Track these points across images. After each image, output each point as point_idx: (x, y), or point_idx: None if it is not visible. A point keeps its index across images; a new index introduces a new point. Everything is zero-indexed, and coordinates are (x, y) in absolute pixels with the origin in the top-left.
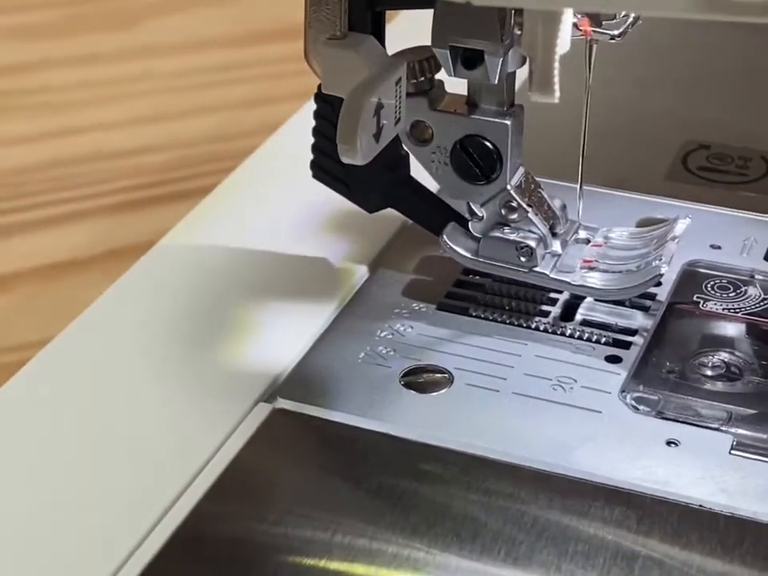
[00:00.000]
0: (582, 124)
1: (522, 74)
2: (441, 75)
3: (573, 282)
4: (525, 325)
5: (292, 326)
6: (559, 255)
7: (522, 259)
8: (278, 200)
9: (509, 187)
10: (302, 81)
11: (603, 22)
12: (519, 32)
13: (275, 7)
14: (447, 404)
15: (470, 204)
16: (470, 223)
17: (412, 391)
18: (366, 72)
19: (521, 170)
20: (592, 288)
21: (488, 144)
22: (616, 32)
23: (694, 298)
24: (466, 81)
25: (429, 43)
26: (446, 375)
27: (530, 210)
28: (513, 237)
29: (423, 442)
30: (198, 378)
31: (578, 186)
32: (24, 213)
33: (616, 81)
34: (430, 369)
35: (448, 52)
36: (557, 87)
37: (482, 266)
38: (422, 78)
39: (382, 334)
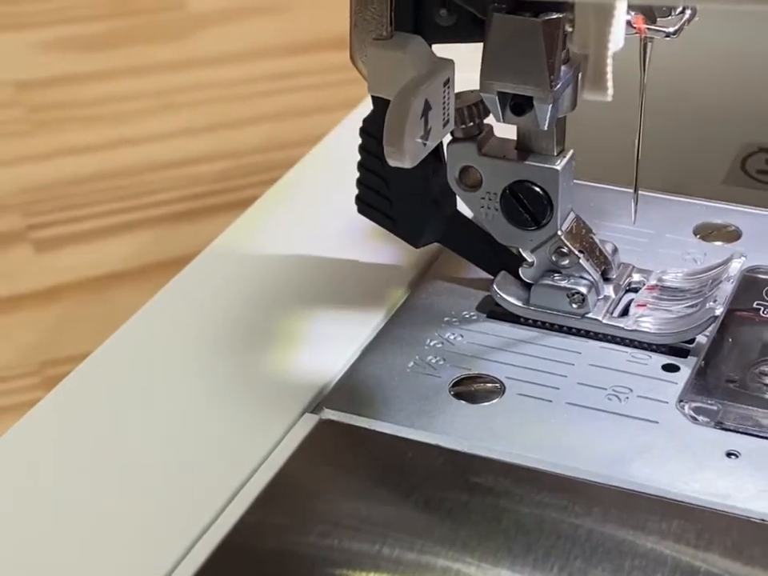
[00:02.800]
0: (637, 127)
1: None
2: (490, 119)
3: (626, 327)
4: (577, 329)
5: (339, 335)
6: (612, 300)
7: (574, 306)
8: (324, 208)
9: (559, 233)
10: (352, 89)
11: (658, 19)
12: (571, 29)
13: (323, 17)
14: (498, 414)
15: (521, 250)
16: (520, 269)
17: (462, 401)
18: (413, 72)
19: (571, 215)
20: (646, 333)
21: (538, 189)
22: (671, 29)
23: (754, 305)
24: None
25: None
26: (497, 385)
27: (581, 255)
28: (564, 284)
29: (473, 454)
30: (245, 389)
31: (634, 190)
32: (75, 224)
33: (672, 81)
34: (480, 378)
35: (496, 98)
36: (610, 84)
37: (534, 313)
38: (471, 124)
39: (432, 343)
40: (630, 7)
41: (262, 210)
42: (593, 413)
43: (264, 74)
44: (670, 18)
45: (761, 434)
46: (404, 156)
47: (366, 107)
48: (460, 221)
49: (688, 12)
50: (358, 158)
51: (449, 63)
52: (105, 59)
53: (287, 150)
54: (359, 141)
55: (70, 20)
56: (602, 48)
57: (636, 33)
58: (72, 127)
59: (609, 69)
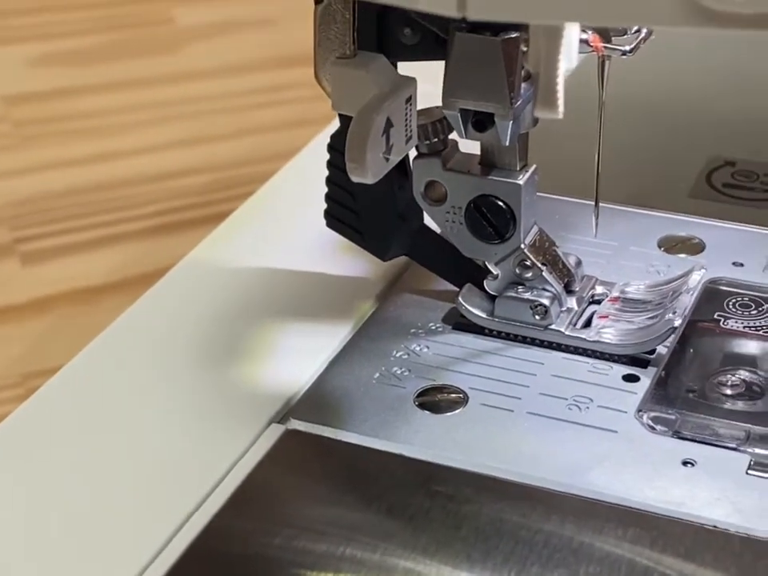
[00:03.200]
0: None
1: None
2: (454, 135)
3: (588, 339)
4: (540, 340)
5: (307, 347)
6: (575, 312)
7: (537, 318)
8: (295, 222)
9: (523, 246)
10: None
11: (614, 38)
12: (526, 48)
13: (309, 31)
14: (461, 424)
15: (486, 263)
16: (485, 282)
17: (426, 411)
18: (376, 90)
19: (535, 229)
20: (607, 344)
21: (501, 204)
22: (627, 47)
23: (715, 316)
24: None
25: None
26: (460, 395)
27: (544, 268)
28: (527, 296)
29: (436, 463)
30: (212, 399)
31: (595, 204)
32: (60, 237)
33: (638, 96)
34: (444, 389)
35: (459, 115)
36: (560, 103)
37: (498, 325)
38: (436, 140)
39: (397, 354)
40: (586, 26)
41: (236, 224)
42: (553, 422)
43: (250, 88)
44: (625, 36)
45: (717, 443)
46: (366, 172)
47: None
48: (426, 234)
49: (644, 31)
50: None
51: (411, 81)
52: (91, 74)
53: (271, 163)
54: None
55: (57, 35)
56: (552, 67)
57: (593, 51)
58: (58, 141)
59: (559, 87)
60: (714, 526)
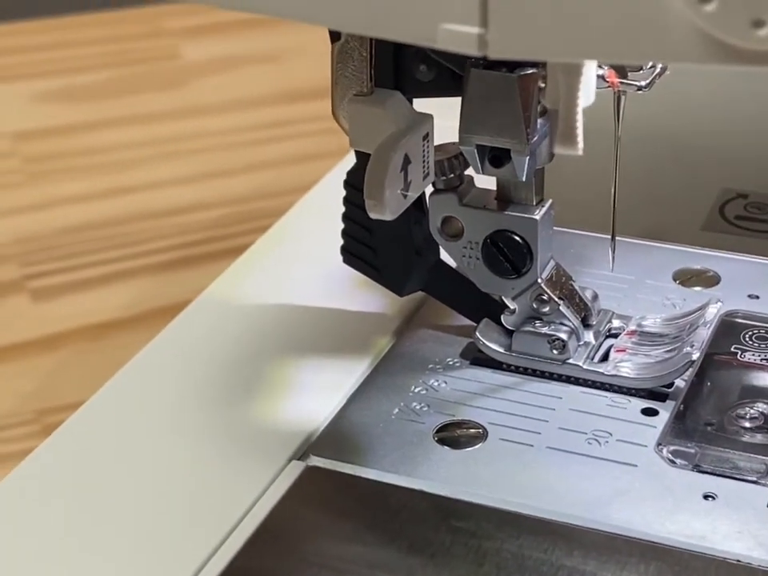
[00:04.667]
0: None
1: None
2: (470, 170)
3: (606, 372)
4: (558, 375)
5: (325, 383)
6: (592, 346)
7: (555, 352)
8: (312, 258)
9: (540, 281)
10: (345, 137)
11: (630, 74)
12: (543, 85)
13: (316, 66)
14: (481, 459)
15: (503, 297)
16: (502, 316)
17: (446, 447)
18: (393, 128)
19: (551, 263)
20: (625, 377)
21: (518, 239)
22: (643, 83)
23: (732, 349)
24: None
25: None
26: (479, 430)
27: (561, 302)
28: (545, 330)
29: (457, 498)
30: (232, 436)
31: (611, 238)
32: (71, 273)
33: (648, 129)
34: (463, 424)
35: (475, 150)
36: (580, 139)
37: (516, 360)
38: (452, 175)
39: (416, 390)
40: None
41: (252, 259)
42: (573, 457)
43: (258, 123)
44: (641, 72)
45: (737, 477)
46: (385, 209)
47: (353, 157)
48: (443, 269)
49: (659, 66)
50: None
51: (428, 118)
52: (100, 109)
53: (282, 198)
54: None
55: (64, 71)
56: (572, 104)
57: (609, 86)
58: (68, 177)
59: (579, 124)
60: (738, 560)
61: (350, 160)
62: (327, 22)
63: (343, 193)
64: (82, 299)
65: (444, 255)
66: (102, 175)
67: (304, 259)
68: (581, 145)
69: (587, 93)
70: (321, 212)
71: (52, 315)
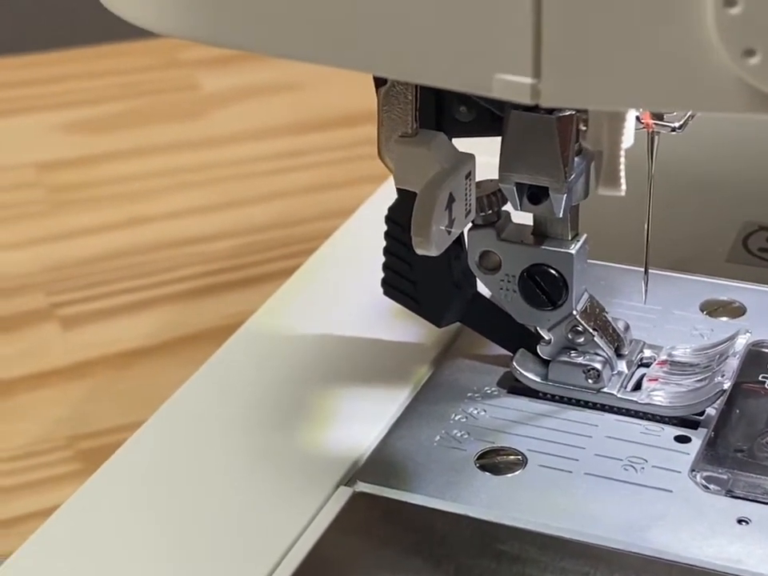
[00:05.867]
0: (645, 211)
1: None
2: (507, 206)
3: (640, 401)
4: (593, 403)
5: (368, 411)
6: (625, 375)
7: (590, 381)
8: (350, 290)
9: (575, 312)
10: (363, 166)
11: (665, 115)
12: (585, 127)
13: (332, 95)
14: (522, 485)
15: (539, 328)
16: (538, 347)
17: (487, 473)
18: (438, 167)
19: (585, 296)
20: (658, 406)
21: (554, 272)
22: (677, 124)
23: (760, 378)
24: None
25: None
26: (519, 457)
27: (595, 333)
28: (580, 360)
29: (500, 523)
30: (280, 464)
31: (644, 271)
32: (97, 301)
33: (673, 164)
34: (503, 451)
35: (514, 188)
36: (623, 181)
37: (552, 389)
38: (490, 211)
39: (456, 418)
40: None
41: (292, 289)
42: (610, 483)
43: (276, 152)
44: (675, 114)
45: None
46: (431, 245)
47: (385, 187)
48: (480, 301)
49: None
50: (381, 240)
51: (470, 157)
52: (121, 139)
53: (301, 226)
54: (383, 224)
55: (84, 102)
56: (615, 147)
57: (644, 128)
58: (90, 207)
59: (622, 166)
60: None
61: (383, 191)
62: (385, 72)
63: (378, 224)
64: (108, 327)
65: (481, 288)
66: (123, 205)
67: (343, 292)
68: (623, 186)
69: (628, 136)
70: (359, 243)
71: (81, 343)
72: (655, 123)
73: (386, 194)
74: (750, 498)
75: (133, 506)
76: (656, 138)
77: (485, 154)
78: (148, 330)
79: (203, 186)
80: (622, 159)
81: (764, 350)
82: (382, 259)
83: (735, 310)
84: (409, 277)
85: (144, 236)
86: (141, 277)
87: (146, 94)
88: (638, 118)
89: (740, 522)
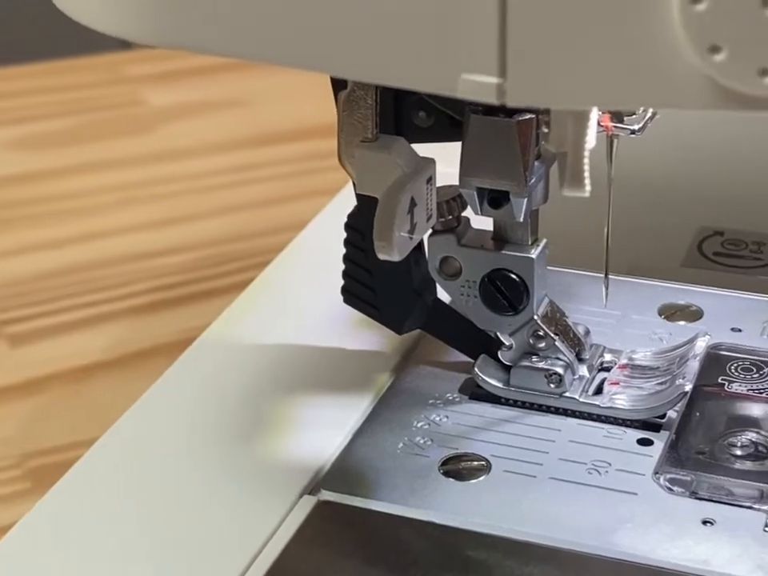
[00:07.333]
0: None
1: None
2: (466, 211)
3: (602, 405)
4: (555, 408)
5: (330, 419)
6: (586, 379)
7: (552, 386)
8: (310, 295)
9: (536, 317)
10: (314, 180)
11: (625, 118)
12: (546, 130)
13: (284, 109)
14: (486, 491)
15: (499, 334)
16: (499, 352)
17: (451, 479)
18: (399, 172)
19: (546, 300)
20: (620, 409)
21: (515, 277)
22: (636, 126)
23: (719, 380)
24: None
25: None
26: (483, 463)
27: (556, 338)
28: (541, 365)
29: (465, 529)
30: (242, 474)
31: (605, 275)
32: (48, 318)
33: (627, 171)
34: (467, 457)
35: (475, 193)
36: (587, 182)
37: (514, 394)
38: (450, 217)
39: (419, 425)
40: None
41: (249, 300)
42: (575, 486)
43: (227, 167)
44: (634, 116)
45: (733, 503)
46: (393, 250)
47: (339, 199)
48: (440, 308)
49: (650, 111)
50: (339, 249)
51: (430, 162)
52: (66, 156)
53: (254, 240)
54: (340, 233)
55: (28, 118)
56: (580, 148)
57: (603, 130)
58: (38, 223)
59: (586, 167)
60: None
61: (337, 203)
62: (348, 74)
63: (334, 234)
64: (60, 343)
65: (441, 294)
66: (73, 221)
67: (302, 301)
68: (588, 187)
69: (592, 137)
70: (315, 252)
71: (31, 360)
72: (615, 126)
73: (340, 206)
74: (713, 499)
75: (87, 524)
76: (615, 141)
77: (441, 164)
78: (102, 345)
79: (154, 201)
80: (587, 160)
81: (722, 352)
82: (340, 268)
83: (692, 314)
84: (369, 284)
85: (96, 252)
86: (93, 292)
87: (92, 110)
88: (598, 122)
89: (705, 522)
